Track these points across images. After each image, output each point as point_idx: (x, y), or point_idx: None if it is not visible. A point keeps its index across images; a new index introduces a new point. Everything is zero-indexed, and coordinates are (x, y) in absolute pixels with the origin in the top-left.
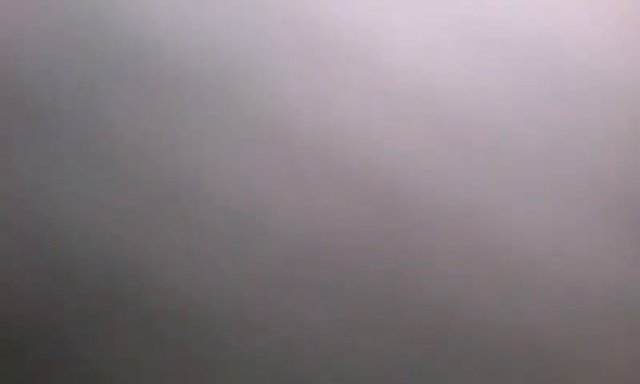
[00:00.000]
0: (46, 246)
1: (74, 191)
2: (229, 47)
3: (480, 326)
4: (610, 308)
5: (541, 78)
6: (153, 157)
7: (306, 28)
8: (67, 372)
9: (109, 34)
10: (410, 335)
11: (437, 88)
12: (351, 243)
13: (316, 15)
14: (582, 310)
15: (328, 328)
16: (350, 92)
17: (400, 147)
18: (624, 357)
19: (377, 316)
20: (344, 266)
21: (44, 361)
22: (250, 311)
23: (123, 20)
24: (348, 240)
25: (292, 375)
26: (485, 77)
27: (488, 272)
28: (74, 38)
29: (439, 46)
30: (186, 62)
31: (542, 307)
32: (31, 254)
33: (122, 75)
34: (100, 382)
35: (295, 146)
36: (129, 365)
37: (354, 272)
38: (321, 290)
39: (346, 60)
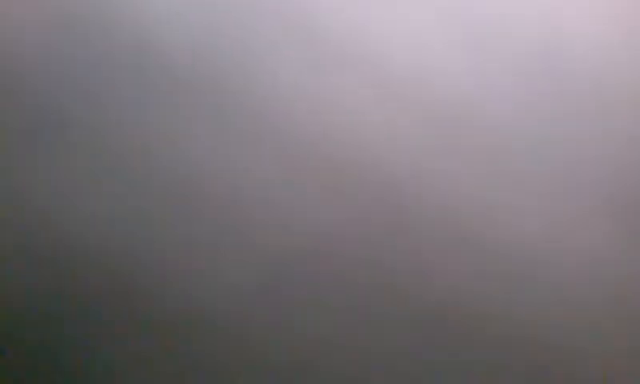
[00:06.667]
0: (46, 246)
1: (74, 191)
2: (229, 45)
3: (480, 321)
4: (609, 302)
5: (540, 74)
6: (152, 156)
7: (303, 26)
8: (67, 372)
9: (109, 32)
10: (410, 332)
11: (436, 86)
12: (351, 241)
13: (314, 13)
14: (582, 304)
15: (328, 325)
16: (349, 90)
17: (399, 145)
18: (623, 351)
19: (377, 314)
20: (344, 264)
21: (44, 361)
22: (250, 309)
23: (123, 19)
24: (348, 238)
25: (292, 373)
26: (484, 73)
27: (488, 268)
28: (74, 37)
29: (438, 44)
30: (186, 61)
31: (542, 302)
32: (31, 254)
33: (122, 74)
34: (100, 382)
35: (294, 145)
36: (129, 364)
37: (354, 270)
38: (320, 287)
39: (345, 59)
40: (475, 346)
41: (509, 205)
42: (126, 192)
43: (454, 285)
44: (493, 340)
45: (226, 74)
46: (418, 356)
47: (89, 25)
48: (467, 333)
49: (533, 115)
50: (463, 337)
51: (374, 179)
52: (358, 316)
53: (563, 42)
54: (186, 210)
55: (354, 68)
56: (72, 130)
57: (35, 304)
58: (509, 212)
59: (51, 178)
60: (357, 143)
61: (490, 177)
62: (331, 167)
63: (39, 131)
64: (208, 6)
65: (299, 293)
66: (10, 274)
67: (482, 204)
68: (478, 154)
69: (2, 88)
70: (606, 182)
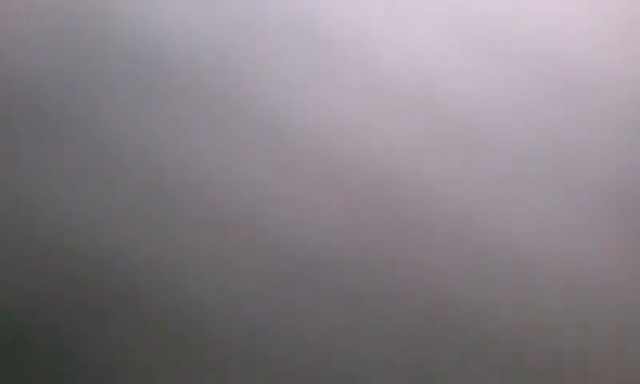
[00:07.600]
0: (47, 247)
1: (74, 192)
2: (229, 49)
3: (480, 322)
4: (611, 303)
5: (540, 76)
6: (153, 158)
7: (305, 28)
8: (67, 372)
9: (110, 35)
10: (410, 335)
11: (436, 87)
12: (351, 243)
13: (316, 15)
14: (584, 305)
15: (327, 328)
16: (350, 92)
17: (399, 147)
18: (624, 352)
19: (377, 317)
20: (344, 267)
21: (44, 360)
22: (250, 311)
23: (124, 22)
24: (348, 240)
25: (292, 375)
26: (484, 75)
27: (488, 270)
28: (75, 40)
29: (439, 45)
30: (186, 64)
31: (542, 304)
32: (31, 254)
33: (123, 77)
34: (100, 382)
35: (294, 147)
36: (128, 364)
37: (354, 272)
38: (320, 290)
39: (346, 60)
40: (475, 346)
41: (510, 206)
42: (127, 195)
43: (455, 285)
44: (493, 341)
45: (228, 80)
46: (418, 357)
47: (89, 27)
48: (467, 334)
49: (533, 117)
50: (463, 337)
51: (375, 182)
52: (359, 317)
53: (563, 44)
54: (186, 214)
55: (355, 71)
56: (73, 132)
57: (35, 304)
58: (510, 213)
59: (51, 180)
60: (359, 148)
61: (491, 178)
62: (332, 172)
63: (40, 133)
64: (210, 10)
65: (299, 297)
66: (10, 274)
67: (482, 205)
68: (479, 155)
69: (2, 89)
70: (607, 184)
